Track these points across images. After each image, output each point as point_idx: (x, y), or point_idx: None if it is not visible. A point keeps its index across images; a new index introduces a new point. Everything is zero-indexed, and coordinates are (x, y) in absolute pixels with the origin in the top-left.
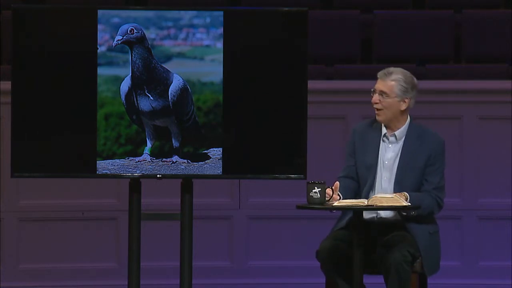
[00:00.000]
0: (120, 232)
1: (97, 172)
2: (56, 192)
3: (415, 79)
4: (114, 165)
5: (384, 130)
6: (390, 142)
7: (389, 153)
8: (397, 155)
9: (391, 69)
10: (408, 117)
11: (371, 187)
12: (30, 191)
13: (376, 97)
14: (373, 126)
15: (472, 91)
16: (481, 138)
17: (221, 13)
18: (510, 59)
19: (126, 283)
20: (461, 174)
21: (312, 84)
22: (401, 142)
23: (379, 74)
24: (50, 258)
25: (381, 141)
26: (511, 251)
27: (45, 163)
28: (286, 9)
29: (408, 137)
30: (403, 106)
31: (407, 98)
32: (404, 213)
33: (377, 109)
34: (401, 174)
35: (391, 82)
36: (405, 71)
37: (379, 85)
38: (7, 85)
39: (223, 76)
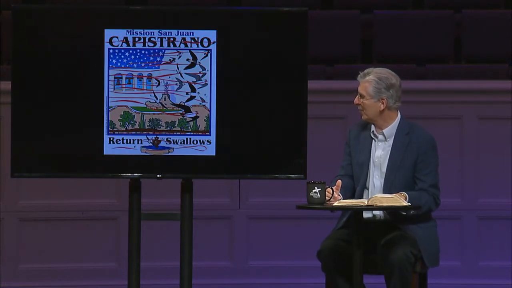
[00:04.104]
0: (120, 232)
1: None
2: (56, 192)
3: (393, 78)
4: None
5: (373, 128)
6: (380, 140)
7: (379, 151)
8: (387, 153)
9: (369, 70)
10: (398, 114)
11: (364, 185)
12: (30, 191)
13: (356, 99)
14: (367, 126)
15: (472, 91)
16: (481, 138)
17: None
18: (510, 59)
19: (126, 283)
20: (461, 174)
21: (312, 84)
22: (390, 141)
23: (358, 75)
24: (50, 258)
25: (372, 139)
26: (511, 251)
27: (45, 163)
28: (286, 9)
29: (397, 136)
30: (381, 106)
31: (383, 99)
32: (404, 213)
33: (360, 109)
34: (391, 172)
35: (365, 84)
36: (383, 70)
37: (358, 86)
38: (7, 85)
39: (223, 76)
